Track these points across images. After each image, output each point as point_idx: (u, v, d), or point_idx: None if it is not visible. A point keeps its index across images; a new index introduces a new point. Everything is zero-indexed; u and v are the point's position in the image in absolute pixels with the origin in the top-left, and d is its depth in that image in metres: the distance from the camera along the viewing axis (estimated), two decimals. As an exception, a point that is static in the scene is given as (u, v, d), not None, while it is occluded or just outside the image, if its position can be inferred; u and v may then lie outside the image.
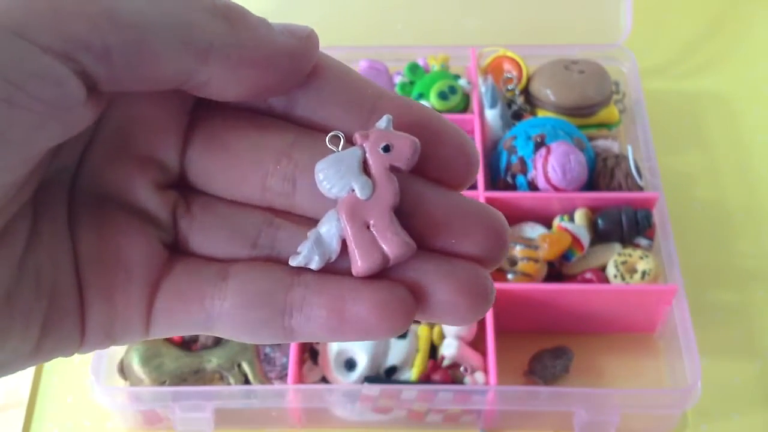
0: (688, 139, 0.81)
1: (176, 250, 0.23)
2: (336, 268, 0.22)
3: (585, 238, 0.66)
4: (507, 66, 0.78)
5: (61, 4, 0.19)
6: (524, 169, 0.69)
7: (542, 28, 0.84)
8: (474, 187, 0.69)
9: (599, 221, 0.67)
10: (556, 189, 0.68)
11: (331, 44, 0.81)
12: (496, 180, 0.71)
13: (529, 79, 0.78)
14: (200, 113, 0.23)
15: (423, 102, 0.74)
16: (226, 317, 0.22)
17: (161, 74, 0.20)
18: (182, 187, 0.23)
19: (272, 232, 0.23)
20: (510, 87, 0.77)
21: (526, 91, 0.78)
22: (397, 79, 0.77)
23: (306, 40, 0.23)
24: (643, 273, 0.65)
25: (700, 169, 0.78)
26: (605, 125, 0.76)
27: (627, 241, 0.67)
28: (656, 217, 0.68)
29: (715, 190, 0.77)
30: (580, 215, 0.67)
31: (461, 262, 0.22)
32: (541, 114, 0.75)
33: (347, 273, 0.22)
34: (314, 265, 0.22)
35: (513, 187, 0.70)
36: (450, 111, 0.75)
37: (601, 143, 0.74)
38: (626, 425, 0.61)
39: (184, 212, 0.23)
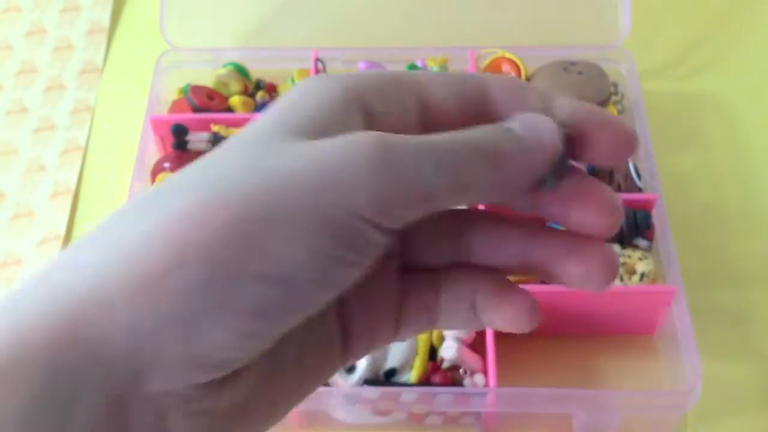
0: (687, 141, 0.80)
1: (404, 266, 0.26)
2: None
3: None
4: (505, 67, 0.78)
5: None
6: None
7: (541, 30, 0.83)
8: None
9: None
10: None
11: (331, 45, 0.81)
12: (495, 181, 0.71)
13: (527, 81, 0.77)
14: None
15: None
16: (442, 321, 0.26)
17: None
18: None
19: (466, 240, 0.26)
20: (509, 88, 0.77)
21: (524, 93, 0.77)
22: (396, 81, 0.77)
23: (553, 148, 0.24)
24: (642, 274, 0.65)
25: (699, 171, 0.78)
26: (604, 126, 0.75)
27: (626, 242, 0.67)
28: (655, 218, 0.68)
29: (714, 192, 0.77)
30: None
31: (588, 240, 0.24)
32: (540, 115, 0.75)
33: None
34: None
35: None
36: (449, 112, 0.75)
37: (600, 144, 0.74)
38: (626, 427, 0.61)
39: (407, 235, 0.26)
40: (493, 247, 0.26)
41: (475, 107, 0.24)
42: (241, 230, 0.20)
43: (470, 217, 0.26)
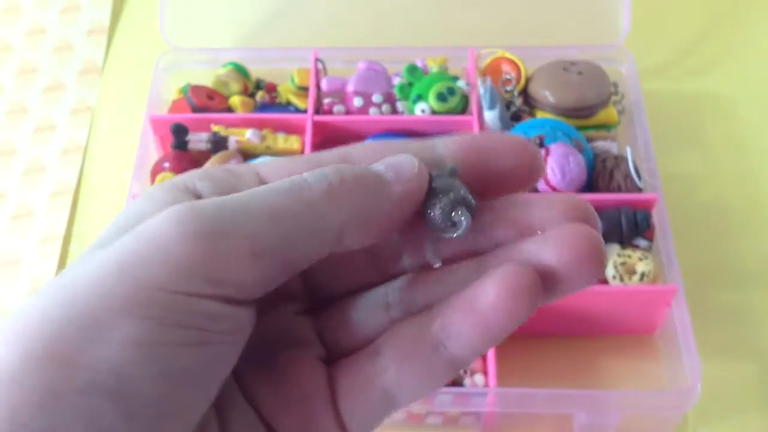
0: (687, 140, 0.80)
1: (331, 357, 0.25)
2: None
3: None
4: (506, 67, 0.78)
5: (211, 257, 0.20)
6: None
7: (541, 30, 0.83)
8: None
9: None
10: (554, 190, 0.68)
11: (330, 45, 0.81)
12: (495, 181, 0.71)
13: (527, 81, 0.77)
14: None
15: (422, 103, 0.74)
16: (397, 384, 0.23)
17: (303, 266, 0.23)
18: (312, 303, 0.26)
19: (395, 294, 0.25)
20: (509, 88, 0.77)
21: (524, 93, 0.78)
22: (396, 81, 0.77)
23: (416, 178, 0.23)
24: (643, 274, 0.65)
25: (700, 170, 0.78)
26: (604, 126, 0.75)
27: (626, 242, 0.67)
28: (655, 218, 0.68)
29: (714, 191, 0.77)
30: (579, 217, 0.67)
31: (557, 228, 0.23)
32: (540, 115, 0.75)
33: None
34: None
35: (512, 189, 0.70)
36: (448, 112, 0.75)
37: (600, 144, 0.74)
38: (626, 427, 0.61)
39: (324, 322, 0.25)
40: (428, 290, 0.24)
41: None
42: (53, 353, 0.19)
43: (393, 271, 0.25)
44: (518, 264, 0.22)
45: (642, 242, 0.67)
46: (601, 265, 0.23)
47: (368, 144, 0.25)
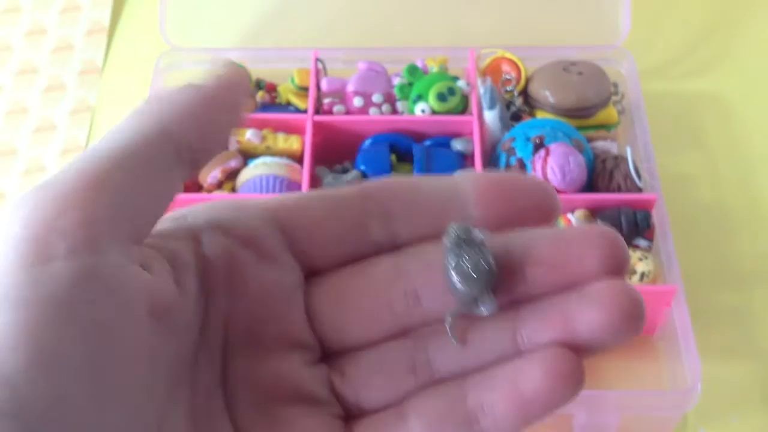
0: (687, 140, 0.80)
1: (350, 415, 0.23)
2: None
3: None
4: (506, 67, 0.78)
5: None
6: (523, 170, 0.69)
7: (541, 30, 0.83)
8: (473, 188, 0.69)
9: (598, 222, 0.67)
10: (555, 190, 0.68)
11: (330, 46, 0.81)
12: (495, 181, 0.71)
13: (527, 81, 0.77)
14: (308, 284, 0.25)
15: (422, 103, 0.74)
16: None
17: None
18: (326, 356, 0.24)
19: (423, 355, 0.23)
20: (509, 88, 0.77)
21: (524, 93, 0.78)
22: (396, 81, 0.77)
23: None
24: (643, 274, 0.65)
25: (700, 170, 0.78)
26: (604, 126, 0.76)
27: (626, 242, 0.67)
28: (655, 218, 0.68)
29: (714, 191, 0.77)
30: (579, 216, 0.67)
31: (596, 284, 0.22)
32: (540, 115, 0.75)
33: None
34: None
35: (512, 189, 0.70)
36: (449, 112, 0.75)
37: (600, 144, 0.74)
38: (626, 427, 0.61)
39: (341, 379, 0.24)
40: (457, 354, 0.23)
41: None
42: None
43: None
44: (562, 349, 0.22)
45: (642, 242, 0.67)
46: (642, 319, 0.22)
47: (386, 180, 0.25)
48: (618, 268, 0.22)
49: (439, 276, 0.23)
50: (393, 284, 0.24)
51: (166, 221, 0.23)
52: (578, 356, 0.22)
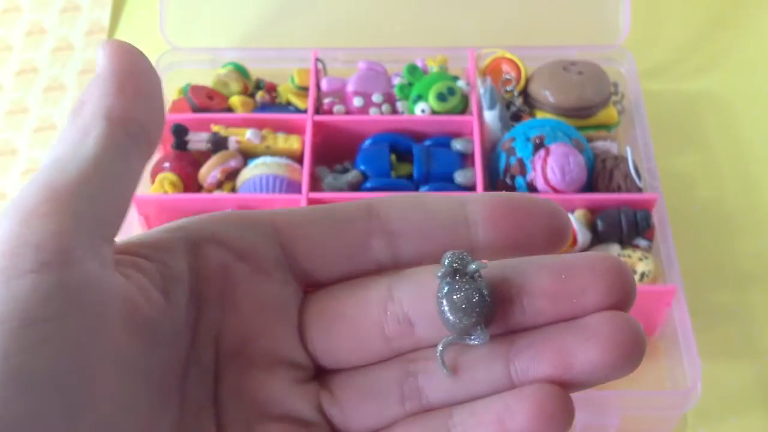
0: (687, 140, 0.80)
1: None
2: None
3: (582, 234, 0.66)
4: (505, 67, 0.78)
5: None
6: (523, 170, 0.69)
7: (541, 30, 0.83)
8: (472, 189, 0.69)
9: (598, 222, 0.67)
10: (555, 190, 0.68)
11: (330, 46, 0.81)
12: (495, 182, 0.71)
13: (527, 81, 0.77)
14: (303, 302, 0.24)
15: (422, 103, 0.74)
16: None
17: None
18: (319, 373, 0.24)
19: (413, 381, 0.23)
20: (509, 88, 0.77)
21: (524, 93, 0.78)
22: (396, 81, 0.77)
23: None
24: (643, 274, 0.65)
25: (700, 170, 0.78)
26: (604, 126, 0.76)
27: (626, 242, 0.67)
28: (655, 218, 0.68)
29: (714, 191, 0.77)
30: (579, 216, 0.67)
31: (597, 315, 0.21)
32: (540, 115, 0.75)
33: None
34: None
35: (512, 189, 0.70)
36: (448, 112, 0.75)
37: (600, 144, 0.74)
38: (626, 427, 0.61)
39: (330, 400, 0.23)
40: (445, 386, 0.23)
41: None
42: None
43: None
44: (552, 387, 0.21)
45: (642, 242, 0.67)
46: (641, 356, 0.21)
47: (394, 197, 0.24)
48: (624, 302, 0.22)
49: (433, 302, 0.23)
50: (387, 308, 0.23)
51: (163, 232, 0.23)
52: (568, 393, 0.21)
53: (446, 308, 0.22)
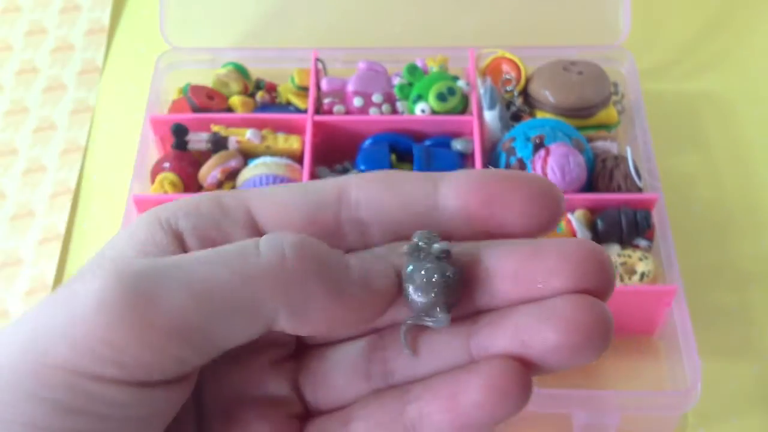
0: (687, 140, 0.80)
1: (308, 414, 0.23)
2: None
3: (582, 234, 0.66)
4: (505, 67, 0.78)
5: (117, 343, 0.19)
6: (523, 170, 0.69)
7: (541, 30, 0.83)
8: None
9: (598, 222, 0.67)
10: (557, 190, 0.68)
11: (330, 46, 0.81)
12: (495, 181, 0.71)
13: (527, 81, 0.77)
14: None
15: (422, 103, 0.74)
16: None
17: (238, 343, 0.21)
18: (298, 351, 0.24)
19: (381, 358, 0.23)
20: (509, 88, 0.77)
21: (524, 93, 0.78)
22: (396, 81, 0.77)
23: (386, 293, 0.22)
24: (643, 274, 0.65)
25: (700, 170, 0.78)
26: (604, 126, 0.76)
27: (626, 242, 0.67)
28: (655, 218, 0.68)
29: (714, 191, 0.77)
30: (579, 216, 0.67)
31: (560, 297, 0.21)
32: (540, 115, 0.75)
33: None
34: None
35: (512, 189, 0.70)
36: (448, 112, 0.75)
37: (600, 144, 0.74)
38: (626, 427, 0.61)
39: (306, 377, 0.24)
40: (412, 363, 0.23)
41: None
42: None
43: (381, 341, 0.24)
44: (507, 362, 0.21)
45: (642, 242, 0.67)
46: (606, 342, 0.21)
47: (368, 175, 0.23)
48: (598, 288, 0.21)
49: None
50: None
51: (149, 225, 0.23)
52: (527, 370, 0.21)
53: (407, 286, 0.22)
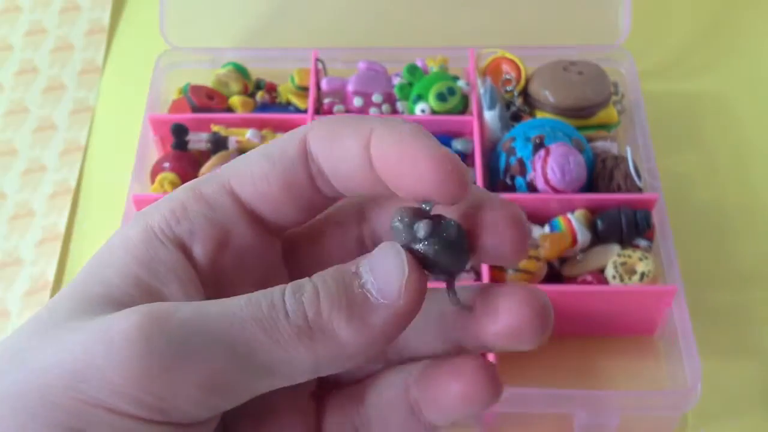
0: (687, 140, 0.80)
1: (321, 389, 0.25)
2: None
3: (582, 233, 0.66)
4: (506, 67, 0.78)
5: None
6: (523, 170, 0.69)
7: (541, 30, 0.83)
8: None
9: (598, 222, 0.67)
10: (555, 190, 0.68)
11: (330, 45, 0.81)
12: (495, 182, 0.71)
13: (527, 81, 0.77)
14: None
15: (422, 103, 0.74)
16: None
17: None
18: None
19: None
20: (509, 88, 0.77)
21: (524, 93, 0.78)
22: (396, 81, 0.77)
23: (411, 297, 0.21)
24: (642, 274, 0.65)
25: (699, 170, 0.78)
26: (604, 126, 0.76)
27: (626, 242, 0.67)
28: (655, 218, 0.68)
29: (714, 191, 0.77)
30: (579, 216, 0.67)
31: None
32: (540, 115, 0.75)
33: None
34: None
35: (512, 189, 0.70)
36: (449, 112, 0.75)
37: (600, 144, 0.74)
38: (626, 427, 0.61)
39: None
40: (412, 339, 0.24)
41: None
42: None
43: None
44: (481, 363, 0.23)
45: (642, 242, 0.67)
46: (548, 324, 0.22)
47: (320, 125, 0.23)
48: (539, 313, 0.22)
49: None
50: (357, 229, 0.25)
51: (146, 242, 0.23)
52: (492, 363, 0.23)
53: (437, 248, 0.21)
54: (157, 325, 0.19)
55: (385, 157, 0.22)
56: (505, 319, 0.22)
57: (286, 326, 0.20)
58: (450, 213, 0.22)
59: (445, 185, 0.21)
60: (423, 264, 0.21)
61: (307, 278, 0.21)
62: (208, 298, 0.23)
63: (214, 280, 0.23)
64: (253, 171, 0.23)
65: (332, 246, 0.25)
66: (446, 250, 0.21)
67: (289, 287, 0.21)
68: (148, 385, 0.19)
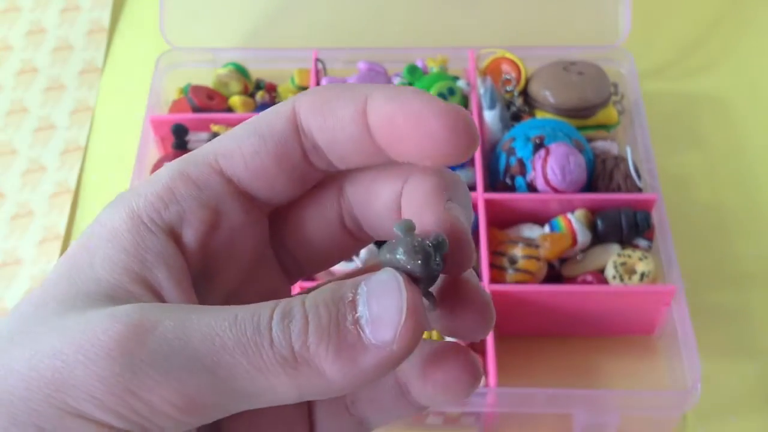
0: (686, 141, 0.80)
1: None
2: None
3: (582, 234, 0.66)
4: (506, 67, 0.78)
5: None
6: (523, 170, 0.69)
7: (541, 30, 0.83)
8: (473, 189, 0.69)
9: (598, 222, 0.67)
10: (555, 190, 0.68)
11: (331, 45, 0.81)
12: (495, 182, 0.71)
13: (527, 81, 0.77)
14: None
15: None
16: (370, 416, 0.24)
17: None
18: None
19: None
20: (509, 88, 0.77)
21: (524, 93, 0.78)
22: (396, 81, 0.77)
23: (406, 338, 0.20)
24: (642, 274, 0.65)
25: (699, 171, 0.78)
26: (604, 126, 0.76)
27: (626, 242, 0.67)
28: (655, 218, 0.68)
29: (713, 191, 0.77)
30: (579, 216, 0.67)
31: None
32: (540, 115, 0.75)
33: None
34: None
35: (512, 189, 0.70)
36: (449, 112, 0.75)
37: (599, 144, 0.74)
38: (626, 427, 0.61)
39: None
40: None
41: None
42: None
43: None
44: (461, 352, 0.23)
45: (642, 242, 0.67)
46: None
47: (309, 97, 0.22)
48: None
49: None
50: (337, 207, 0.24)
51: (133, 231, 0.22)
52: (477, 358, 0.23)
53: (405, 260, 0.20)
54: (136, 341, 0.19)
55: (385, 121, 0.21)
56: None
57: (270, 354, 0.19)
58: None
59: (454, 140, 0.20)
60: (416, 281, 0.20)
61: (299, 301, 0.20)
62: (197, 283, 0.22)
63: (204, 263, 0.23)
64: (243, 148, 0.22)
65: (315, 224, 0.24)
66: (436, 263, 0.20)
67: (278, 311, 0.19)
68: (128, 401, 0.19)
